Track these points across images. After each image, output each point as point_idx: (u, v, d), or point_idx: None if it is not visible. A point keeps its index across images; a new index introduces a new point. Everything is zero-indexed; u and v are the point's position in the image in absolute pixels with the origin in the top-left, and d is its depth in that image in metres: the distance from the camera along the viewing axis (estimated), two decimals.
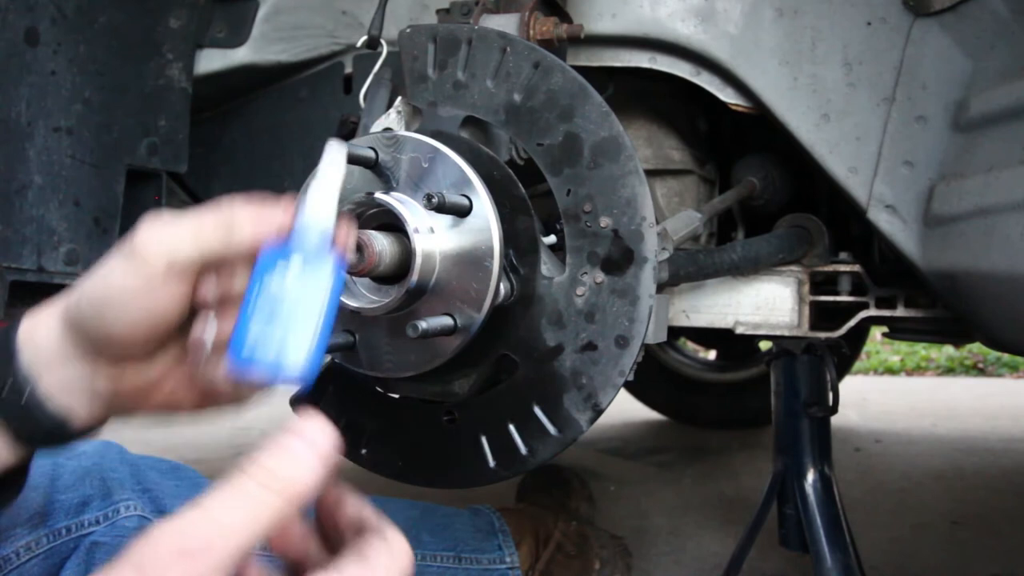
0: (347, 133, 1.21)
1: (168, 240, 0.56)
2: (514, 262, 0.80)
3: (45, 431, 0.61)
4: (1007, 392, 4.11)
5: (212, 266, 0.58)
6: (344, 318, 0.81)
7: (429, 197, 0.71)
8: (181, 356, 0.63)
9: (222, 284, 0.59)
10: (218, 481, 0.42)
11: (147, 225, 0.57)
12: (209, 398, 0.65)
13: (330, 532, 0.54)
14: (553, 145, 0.79)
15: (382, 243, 0.72)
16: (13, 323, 0.62)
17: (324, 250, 0.57)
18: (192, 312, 0.60)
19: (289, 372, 0.54)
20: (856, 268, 1.25)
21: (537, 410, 0.79)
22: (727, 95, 1.15)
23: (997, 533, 1.78)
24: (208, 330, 0.59)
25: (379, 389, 0.88)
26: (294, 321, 0.54)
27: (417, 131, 0.84)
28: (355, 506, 0.54)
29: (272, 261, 0.56)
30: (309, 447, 0.43)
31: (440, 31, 0.86)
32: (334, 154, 0.61)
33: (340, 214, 0.60)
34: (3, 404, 0.60)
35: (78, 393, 0.61)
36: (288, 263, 0.56)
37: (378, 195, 0.75)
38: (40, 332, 0.61)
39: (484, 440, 0.82)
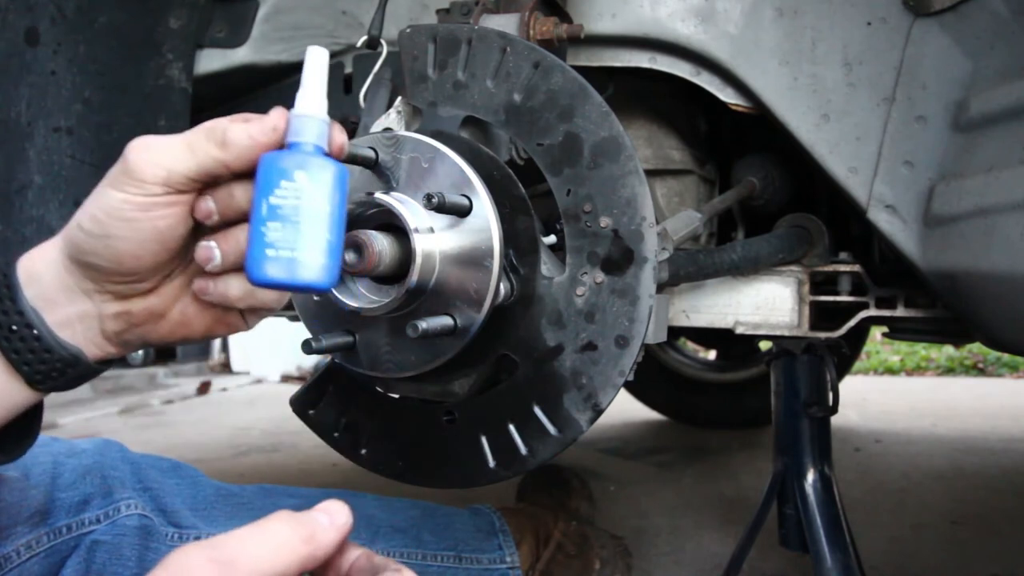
0: (347, 133, 1.21)
1: (162, 157, 0.57)
2: (514, 262, 0.80)
3: (58, 369, 0.61)
4: (1007, 392, 4.11)
5: (208, 180, 0.59)
6: (344, 318, 0.81)
7: (429, 197, 0.71)
8: (186, 281, 0.64)
9: (219, 199, 0.59)
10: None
11: (137, 145, 0.58)
12: (220, 320, 0.65)
13: None
14: (553, 145, 0.79)
15: (382, 243, 0.72)
16: (9, 263, 0.61)
17: (322, 153, 0.58)
18: (192, 235, 0.61)
19: (310, 272, 0.55)
20: (856, 268, 1.25)
21: (537, 410, 0.79)
22: (727, 95, 1.15)
23: (997, 533, 1.78)
24: (213, 244, 0.60)
25: (379, 389, 0.88)
26: (307, 224, 0.55)
27: (417, 131, 0.85)
28: (364, 555, 0.56)
29: (274, 167, 0.56)
30: (331, 518, 0.49)
31: (440, 31, 0.86)
32: (317, 57, 0.61)
33: (332, 121, 0.60)
34: (12, 344, 0.59)
35: (86, 327, 0.61)
36: (289, 168, 0.56)
37: (378, 195, 0.75)
38: (40, 268, 0.61)
39: (484, 440, 0.82)
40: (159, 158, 0.57)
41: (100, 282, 0.60)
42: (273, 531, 0.46)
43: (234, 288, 0.61)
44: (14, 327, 0.59)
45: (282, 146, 0.58)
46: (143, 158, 0.57)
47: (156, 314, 0.63)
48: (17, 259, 0.62)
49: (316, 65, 0.60)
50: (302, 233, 0.55)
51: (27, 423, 0.67)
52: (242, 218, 0.60)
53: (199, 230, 0.61)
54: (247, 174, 0.59)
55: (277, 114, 0.59)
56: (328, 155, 0.59)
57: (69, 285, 0.60)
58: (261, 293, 0.62)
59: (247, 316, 0.67)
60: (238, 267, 0.60)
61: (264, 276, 0.55)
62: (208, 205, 0.59)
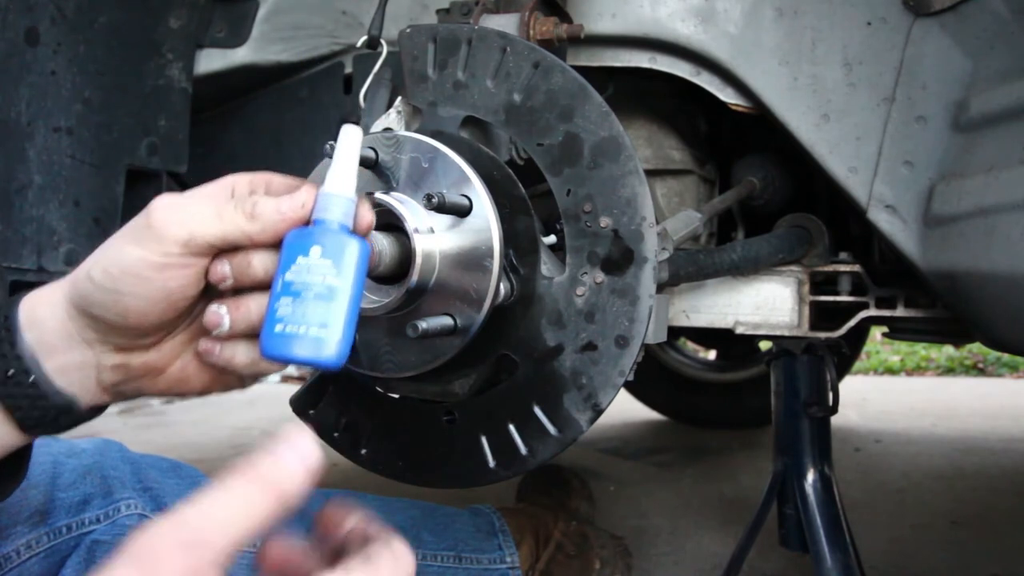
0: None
1: (189, 219, 0.56)
2: (514, 262, 0.80)
3: (50, 417, 0.60)
4: (1007, 392, 4.10)
5: (229, 248, 0.58)
6: None
7: (429, 197, 0.71)
8: (189, 338, 0.63)
9: (236, 265, 0.59)
10: (214, 480, 0.44)
11: (164, 203, 0.57)
12: (218, 379, 0.65)
13: (335, 549, 0.55)
14: (553, 145, 0.79)
15: (382, 243, 0.72)
16: (11, 303, 0.60)
17: (347, 231, 0.59)
18: (202, 295, 0.60)
19: (322, 352, 0.55)
20: (856, 268, 1.25)
21: (537, 410, 0.79)
22: (727, 95, 1.15)
23: (997, 533, 1.78)
24: (224, 310, 0.60)
25: (379, 389, 0.88)
26: (324, 303, 0.56)
27: (417, 131, 0.84)
28: (360, 521, 0.55)
29: (299, 243, 0.57)
30: (297, 456, 0.46)
31: (440, 31, 0.86)
32: (350, 137, 0.62)
33: (360, 197, 0.61)
34: (6, 388, 0.58)
35: (83, 377, 0.61)
36: (315, 245, 0.57)
37: (378, 195, 0.75)
38: (42, 312, 0.60)
39: (484, 440, 0.82)
40: (184, 219, 0.56)
41: (103, 333, 0.59)
42: (237, 492, 0.44)
43: (240, 355, 0.61)
44: (11, 371, 0.58)
45: (308, 222, 0.59)
46: (168, 218, 0.56)
47: (155, 369, 0.63)
48: (20, 299, 0.61)
49: (349, 144, 0.62)
50: (319, 312, 0.56)
51: (15, 463, 0.65)
52: (256, 286, 0.60)
53: (209, 290, 0.61)
54: (268, 244, 0.59)
55: (307, 191, 0.59)
56: (353, 233, 0.60)
57: (71, 332, 0.60)
58: (266, 362, 0.61)
59: (246, 378, 0.66)
60: (245, 334, 0.60)
61: (278, 352, 0.56)
62: (224, 270, 0.59)
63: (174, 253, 0.56)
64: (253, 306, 0.59)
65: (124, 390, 0.63)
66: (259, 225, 0.57)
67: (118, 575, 0.39)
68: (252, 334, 0.60)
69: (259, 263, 0.59)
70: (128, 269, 0.56)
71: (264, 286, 0.59)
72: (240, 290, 0.60)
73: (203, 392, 0.65)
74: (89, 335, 0.60)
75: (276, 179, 0.63)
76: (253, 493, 0.44)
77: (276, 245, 0.59)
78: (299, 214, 0.58)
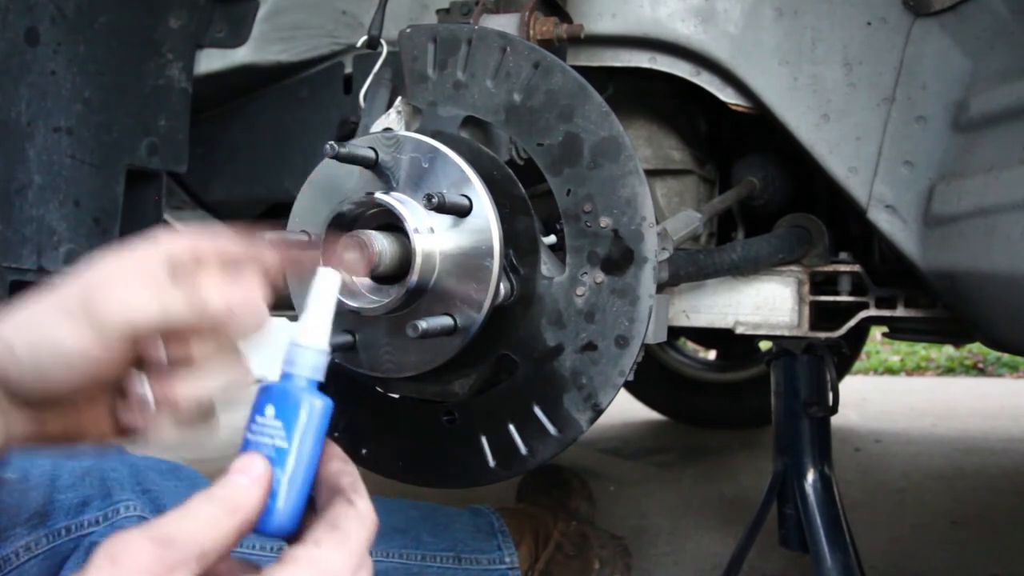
0: (347, 133, 1.21)
1: (131, 306, 0.53)
2: (514, 262, 0.80)
3: None
4: (1007, 392, 4.10)
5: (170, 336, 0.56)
6: (344, 318, 0.81)
7: (429, 197, 0.71)
8: (107, 401, 0.60)
9: (173, 351, 0.56)
10: (184, 499, 0.47)
11: (102, 283, 0.54)
12: (129, 435, 0.62)
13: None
14: (553, 145, 0.79)
15: (382, 243, 0.72)
16: None
17: (314, 386, 0.56)
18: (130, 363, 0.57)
19: (267, 522, 0.52)
20: (856, 268, 1.25)
21: (537, 410, 0.79)
22: (727, 95, 1.15)
23: (997, 533, 1.78)
24: (149, 393, 0.57)
25: (379, 389, 0.88)
26: (276, 466, 0.53)
27: (417, 131, 0.84)
28: (335, 465, 0.54)
29: (260, 399, 0.55)
30: (249, 476, 0.50)
31: (440, 31, 0.86)
32: (327, 281, 0.58)
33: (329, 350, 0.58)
34: None
35: None
36: (269, 404, 0.54)
37: (378, 195, 0.75)
38: None
39: (484, 440, 0.82)
40: (125, 307, 0.53)
41: (19, 399, 0.55)
42: (199, 511, 0.46)
43: (165, 430, 0.58)
44: None
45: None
46: (109, 306, 0.52)
47: (69, 427, 0.59)
48: None
49: (325, 290, 0.58)
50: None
51: None
52: (187, 366, 0.57)
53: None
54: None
55: (253, 287, 0.57)
56: (321, 387, 0.57)
57: None
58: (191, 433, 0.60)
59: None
60: (170, 412, 0.58)
61: None
62: (160, 355, 0.56)
63: (112, 340, 0.53)
64: (179, 390, 0.57)
65: (30, 444, 0.59)
66: (205, 321, 0.55)
67: (92, 569, 0.41)
68: (176, 413, 0.58)
69: (198, 350, 0.57)
70: (59, 352, 0.53)
71: (198, 366, 0.57)
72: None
73: (116, 442, 0.63)
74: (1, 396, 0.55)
75: (227, 248, 0.59)
76: (213, 511, 0.47)
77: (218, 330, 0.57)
78: (250, 318, 0.56)
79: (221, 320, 0.55)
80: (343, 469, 0.55)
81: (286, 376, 0.56)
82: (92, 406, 0.59)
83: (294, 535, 0.53)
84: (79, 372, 0.53)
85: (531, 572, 1.35)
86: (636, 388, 3.00)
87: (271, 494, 0.52)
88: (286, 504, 0.52)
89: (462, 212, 0.74)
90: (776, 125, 1.11)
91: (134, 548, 0.42)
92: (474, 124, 0.86)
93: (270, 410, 0.54)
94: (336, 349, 0.80)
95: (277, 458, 0.53)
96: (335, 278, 0.58)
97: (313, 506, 0.54)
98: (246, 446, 0.54)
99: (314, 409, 0.55)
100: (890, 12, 1.04)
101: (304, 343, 0.57)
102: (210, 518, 0.46)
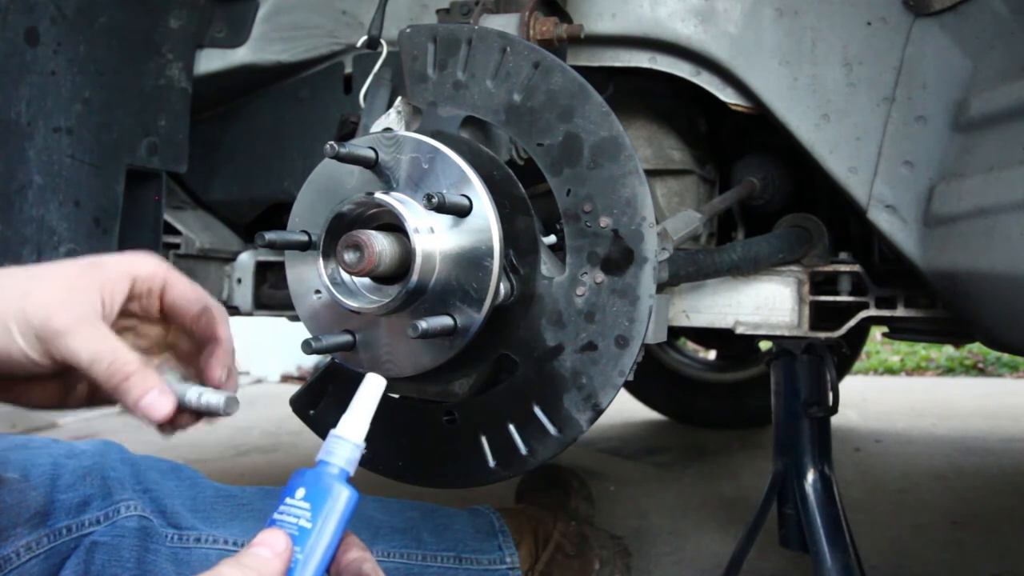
0: (347, 133, 1.21)
1: (71, 347, 0.60)
2: (514, 262, 0.80)
3: None
4: (1007, 392, 4.10)
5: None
6: (344, 318, 0.81)
7: (429, 197, 0.71)
8: (60, 372, 0.65)
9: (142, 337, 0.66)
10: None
11: (59, 315, 0.60)
12: (95, 398, 0.69)
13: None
14: (553, 145, 0.79)
15: (382, 243, 0.72)
16: None
17: (344, 476, 0.62)
18: None
19: None
20: (856, 268, 1.25)
21: (537, 410, 0.79)
22: (727, 95, 1.15)
23: (997, 533, 1.78)
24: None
25: None
26: (298, 545, 0.58)
27: (417, 131, 0.84)
28: (355, 553, 0.60)
29: (293, 483, 0.60)
30: (272, 550, 0.56)
31: (440, 31, 0.86)
32: (373, 386, 0.65)
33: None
34: None
35: None
36: (300, 487, 0.60)
37: (378, 195, 0.75)
38: None
39: (484, 440, 0.82)
40: (64, 349, 0.60)
41: None
42: (225, 574, 0.50)
43: (185, 420, 0.66)
44: None
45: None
46: (59, 341, 0.60)
47: (20, 401, 0.67)
48: None
49: (370, 393, 0.65)
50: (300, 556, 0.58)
51: None
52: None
53: None
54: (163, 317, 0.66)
55: (155, 394, 0.62)
56: (349, 481, 0.63)
57: None
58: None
59: (95, 398, 0.70)
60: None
61: None
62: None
63: (49, 362, 0.61)
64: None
65: None
66: (119, 399, 0.61)
67: None
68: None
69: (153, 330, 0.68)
70: (11, 352, 0.60)
71: None
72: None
73: (46, 409, 0.69)
74: None
75: (174, 285, 0.68)
76: (238, 573, 0.53)
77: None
78: (151, 421, 0.61)
79: (131, 407, 0.61)
80: (363, 557, 0.61)
81: (321, 463, 0.62)
82: (38, 385, 0.66)
83: None
84: (16, 367, 0.61)
85: (531, 572, 1.35)
86: (636, 388, 3.00)
87: (289, 570, 0.57)
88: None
89: (462, 212, 0.74)
90: (776, 125, 1.11)
91: None
92: (474, 124, 0.86)
93: (300, 492, 0.60)
94: (336, 349, 0.80)
95: (300, 537, 0.58)
96: (381, 383, 0.65)
97: None
98: (271, 523, 0.59)
99: (342, 497, 0.60)
100: (890, 12, 1.04)
101: (344, 436, 0.63)
102: None
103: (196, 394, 0.65)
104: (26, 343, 0.60)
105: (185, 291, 0.68)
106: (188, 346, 0.72)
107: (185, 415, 0.66)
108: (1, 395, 0.66)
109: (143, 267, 0.66)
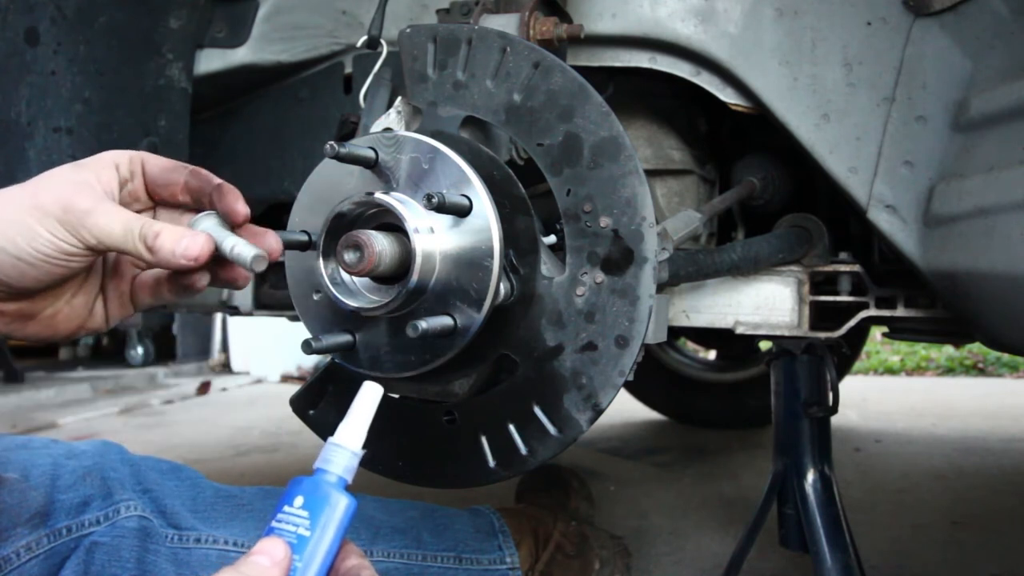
0: (347, 133, 1.21)
1: (100, 229, 0.63)
2: (514, 262, 0.80)
3: None
4: (1007, 392, 4.10)
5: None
6: (344, 318, 0.81)
7: (429, 197, 0.71)
8: (63, 291, 0.69)
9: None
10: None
11: (85, 201, 0.63)
12: (82, 325, 0.71)
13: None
14: (553, 145, 0.79)
15: (382, 243, 0.72)
16: None
17: (343, 484, 0.62)
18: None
19: None
20: (856, 268, 1.25)
21: (537, 410, 0.79)
22: (727, 95, 1.15)
23: (997, 533, 1.78)
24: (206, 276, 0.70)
25: None
26: (296, 553, 0.59)
27: (417, 131, 0.84)
28: (353, 560, 0.61)
29: (291, 491, 0.61)
30: (270, 558, 0.57)
31: (440, 31, 0.86)
32: (371, 394, 0.65)
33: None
34: None
35: None
36: (299, 495, 0.60)
37: (378, 195, 0.75)
38: None
39: (484, 440, 0.82)
40: (97, 227, 0.63)
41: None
42: None
43: (201, 280, 0.70)
44: None
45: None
46: (86, 220, 0.63)
47: (25, 315, 0.68)
48: None
49: (368, 401, 0.65)
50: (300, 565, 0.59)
51: None
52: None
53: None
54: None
55: (197, 240, 0.64)
56: (348, 488, 0.63)
57: None
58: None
59: (110, 318, 0.73)
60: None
61: None
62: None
63: (80, 247, 0.63)
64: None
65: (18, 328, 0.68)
66: (155, 257, 0.64)
67: None
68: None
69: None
70: (38, 246, 0.62)
71: None
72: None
73: (67, 337, 0.72)
74: None
75: (151, 162, 0.70)
76: None
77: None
78: (190, 261, 0.64)
79: (167, 263, 0.64)
80: (362, 564, 0.61)
81: (319, 471, 0.62)
82: (45, 293, 0.68)
83: None
84: (48, 263, 0.63)
85: (531, 572, 1.35)
86: (636, 388, 3.00)
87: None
88: None
89: (462, 212, 0.74)
90: (776, 125, 1.11)
91: None
92: (474, 124, 0.86)
93: (299, 500, 0.60)
94: (336, 349, 0.80)
95: (298, 545, 0.58)
96: (378, 391, 0.66)
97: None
98: (269, 532, 0.59)
99: (340, 505, 0.61)
100: (890, 12, 1.04)
101: (341, 443, 0.63)
102: None
103: (230, 245, 0.65)
104: (53, 233, 0.62)
105: (163, 163, 0.71)
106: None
107: (220, 270, 0.70)
108: (29, 326, 0.69)
109: (119, 155, 0.69)
